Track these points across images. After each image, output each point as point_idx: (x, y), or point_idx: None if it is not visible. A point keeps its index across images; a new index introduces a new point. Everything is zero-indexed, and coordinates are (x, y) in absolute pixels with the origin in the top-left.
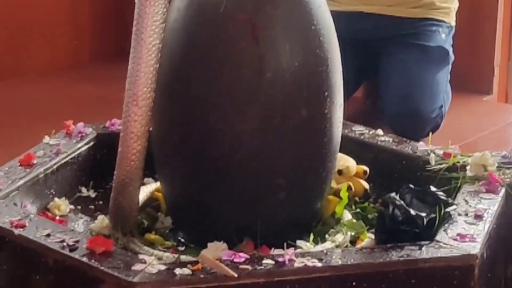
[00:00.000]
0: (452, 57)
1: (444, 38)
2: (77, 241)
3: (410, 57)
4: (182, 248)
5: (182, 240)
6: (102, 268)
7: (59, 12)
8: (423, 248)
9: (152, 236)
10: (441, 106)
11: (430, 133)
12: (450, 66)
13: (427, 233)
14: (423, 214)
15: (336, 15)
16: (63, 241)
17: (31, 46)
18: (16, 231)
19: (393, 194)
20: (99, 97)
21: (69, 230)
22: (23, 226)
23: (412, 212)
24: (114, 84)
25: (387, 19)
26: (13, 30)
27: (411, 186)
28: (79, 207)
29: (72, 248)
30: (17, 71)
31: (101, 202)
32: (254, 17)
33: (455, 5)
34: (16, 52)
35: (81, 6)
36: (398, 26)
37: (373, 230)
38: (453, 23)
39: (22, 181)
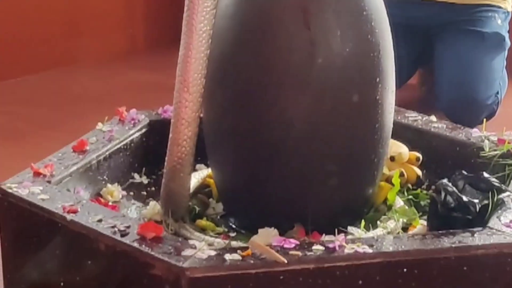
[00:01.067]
0: (508, 43)
1: (500, 24)
2: (128, 227)
3: (465, 44)
4: (233, 234)
5: (233, 226)
6: (152, 253)
7: (113, 0)
8: (476, 235)
9: (203, 222)
10: (497, 93)
11: (485, 120)
12: (506, 52)
13: (480, 220)
14: (476, 201)
15: (389, 2)
16: (114, 226)
17: (86, 33)
18: (68, 217)
19: (445, 181)
20: (153, 84)
21: (121, 215)
22: (75, 212)
23: (465, 198)
24: (168, 71)
25: (442, 5)
26: (68, 17)
27: (464, 172)
28: (131, 193)
29: (123, 234)
30: (73, 59)
31: (153, 189)
32: (306, 2)
33: None
34: (72, 39)
35: None
36: (453, 13)
37: (425, 217)
38: (510, 9)
39: (75, 167)
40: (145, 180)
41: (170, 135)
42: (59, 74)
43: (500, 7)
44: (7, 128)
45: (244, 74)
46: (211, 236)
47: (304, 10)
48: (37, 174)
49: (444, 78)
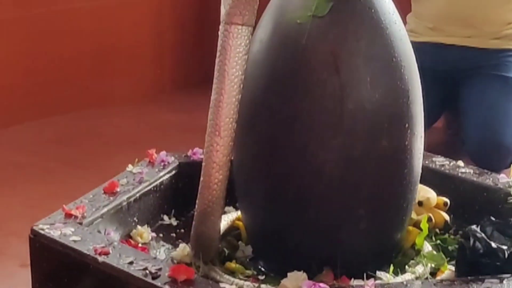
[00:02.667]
0: None
1: None
2: (159, 269)
3: (491, 88)
4: (262, 277)
5: (263, 269)
6: None
7: (142, 42)
8: (505, 281)
9: (232, 264)
10: None
11: None
12: None
13: (509, 266)
14: (505, 247)
15: (416, 46)
16: (145, 268)
17: (115, 76)
18: (100, 258)
19: (474, 227)
20: (182, 125)
21: (152, 258)
22: (106, 253)
23: (494, 244)
24: (196, 112)
25: (468, 50)
26: (98, 59)
27: (492, 218)
28: (161, 235)
29: (155, 276)
30: (102, 99)
31: (182, 231)
32: (336, 48)
33: None
34: (101, 80)
35: (164, 36)
36: (478, 57)
37: (453, 262)
38: None
39: (105, 209)
40: (174, 222)
41: (201, 178)
42: (89, 115)
43: None
44: (38, 168)
45: (275, 119)
46: (241, 279)
47: (335, 56)
48: (68, 215)
49: (471, 122)
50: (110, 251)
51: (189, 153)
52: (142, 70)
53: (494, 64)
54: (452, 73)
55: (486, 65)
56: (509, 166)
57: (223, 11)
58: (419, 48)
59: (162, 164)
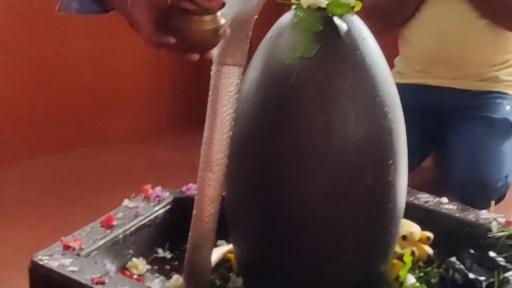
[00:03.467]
0: None
1: (508, 110)
2: None
3: (476, 129)
4: None
5: None
6: None
7: (140, 83)
8: None
9: None
10: (507, 176)
11: (493, 202)
12: None
13: None
14: (482, 278)
15: (402, 87)
16: None
17: (114, 115)
18: None
19: (453, 259)
20: (177, 162)
21: (146, 287)
22: (103, 283)
23: (471, 276)
24: (191, 150)
25: (453, 91)
26: (98, 100)
27: (472, 251)
28: (155, 267)
29: None
30: (101, 137)
31: (176, 263)
32: (323, 88)
33: None
34: (101, 120)
35: (160, 77)
36: (464, 99)
37: None
38: None
39: (102, 241)
40: (168, 254)
41: (194, 212)
42: (88, 152)
43: (508, 94)
44: (38, 204)
45: (265, 154)
46: None
47: (321, 95)
48: (67, 247)
49: (456, 162)
50: (106, 281)
51: (184, 188)
52: (140, 110)
53: (479, 106)
54: (439, 113)
55: (471, 106)
56: (494, 203)
57: (215, 52)
58: (407, 89)
59: (157, 199)
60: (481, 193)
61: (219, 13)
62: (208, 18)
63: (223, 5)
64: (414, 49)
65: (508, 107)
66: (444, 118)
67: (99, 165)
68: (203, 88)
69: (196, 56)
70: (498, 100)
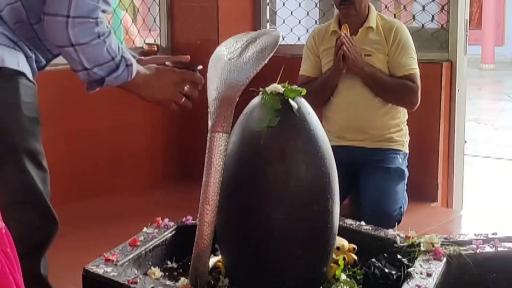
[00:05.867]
0: (407, 174)
1: (401, 162)
2: None
3: (378, 176)
4: None
5: None
6: None
7: (140, 146)
8: None
9: None
10: (400, 207)
11: (396, 224)
12: (406, 180)
13: (396, 285)
14: (393, 272)
15: (333, 148)
16: None
17: (121, 171)
18: (132, 286)
19: (373, 259)
20: (172, 205)
21: (165, 284)
22: (135, 283)
23: (386, 270)
24: (182, 195)
25: (362, 150)
26: (107, 159)
27: (385, 255)
28: (167, 273)
29: None
30: (112, 189)
31: (181, 270)
32: (283, 146)
33: (407, 138)
34: (110, 175)
35: (156, 143)
36: (369, 155)
37: (360, 285)
38: (407, 151)
39: (131, 256)
40: (175, 265)
41: (197, 232)
42: (107, 199)
43: (400, 150)
44: (79, 236)
45: (243, 193)
46: None
47: (282, 151)
48: (107, 260)
49: (366, 199)
50: (138, 281)
51: (184, 219)
52: (141, 168)
53: (380, 159)
54: (354, 166)
55: (374, 160)
56: (394, 226)
57: (210, 123)
58: (334, 148)
59: (166, 227)
60: (384, 220)
61: None
62: None
63: None
64: (332, 122)
65: (400, 159)
66: (357, 169)
67: (121, 207)
68: (189, 151)
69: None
70: (393, 155)
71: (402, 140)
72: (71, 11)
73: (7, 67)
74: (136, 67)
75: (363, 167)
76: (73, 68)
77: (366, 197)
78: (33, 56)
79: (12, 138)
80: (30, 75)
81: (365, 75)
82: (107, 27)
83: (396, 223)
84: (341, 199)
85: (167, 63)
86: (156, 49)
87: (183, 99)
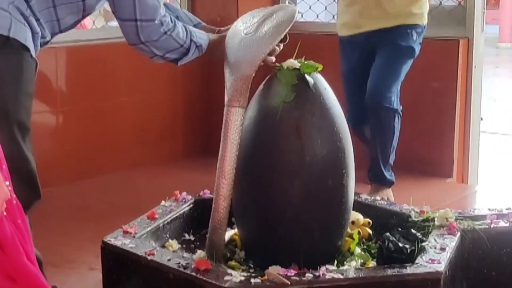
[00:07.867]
0: (417, 52)
1: (414, 39)
2: (188, 263)
3: (385, 55)
4: (252, 271)
5: (252, 265)
6: (204, 278)
7: (161, 122)
8: (407, 267)
9: (232, 263)
10: (391, 96)
11: (411, 198)
12: (415, 57)
13: (410, 258)
14: (408, 246)
15: (346, 40)
16: (179, 263)
17: (141, 145)
18: (149, 257)
19: (387, 234)
20: (192, 179)
21: (182, 256)
22: (152, 254)
23: (400, 244)
24: (202, 170)
25: (378, 31)
26: (128, 135)
27: (399, 229)
28: (184, 245)
29: (185, 267)
30: (133, 164)
31: (198, 243)
32: (298, 122)
33: (426, 9)
34: (132, 150)
35: (177, 117)
36: (386, 34)
37: (375, 259)
38: (425, 22)
39: (149, 228)
40: (192, 237)
41: (213, 206)
42: (126, 174)
43: (418, 24)
44: (102, 210)
45: (260, 167)
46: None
47: (297, 127)
48: (126, 232)
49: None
50: (155, 253)
51: (201, 193)
52: (162, 142)
53: (395, 37)
54: (371, 51)
55: (388, 38)
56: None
57: (226, 98)
58: (346, 39)
59: (184, 200)
60: (376, 110)
61: None
62: None
63: None
64: (350, 12)
65: (414, 36)
66: (374, 53)
67: (139, 182)
68: (210, 126)
69: None
70: (408, 30)
71: (421, 12)
72: (137, 15)
73: (16, 38)
74: (206, 45)
75: (378, 50)
76: (148, 56)
77: (368, 84)
78: (40, 33)
79: (7, 109)
80: (33, 52)
81: None
82: (171, 21)
83: (397, 116)
84: (363, 83)
85: None
86: None
87: None
